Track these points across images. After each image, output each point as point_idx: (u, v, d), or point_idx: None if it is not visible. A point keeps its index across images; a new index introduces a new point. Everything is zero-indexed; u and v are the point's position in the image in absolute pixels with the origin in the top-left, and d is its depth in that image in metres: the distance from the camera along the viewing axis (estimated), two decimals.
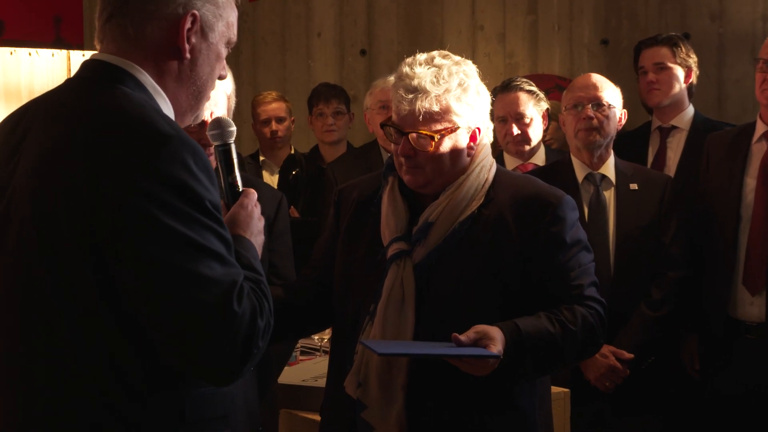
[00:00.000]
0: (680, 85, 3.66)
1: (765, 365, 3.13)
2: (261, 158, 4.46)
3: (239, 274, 1.48)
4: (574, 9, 4.81)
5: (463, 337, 1.90)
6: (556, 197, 2.10)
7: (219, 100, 2.47)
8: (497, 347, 1.91)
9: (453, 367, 1.95)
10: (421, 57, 2.08)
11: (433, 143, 2.05)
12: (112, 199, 1.41)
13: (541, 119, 3.62)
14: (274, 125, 4.38)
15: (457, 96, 2.06)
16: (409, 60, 2.09)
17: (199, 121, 1.80)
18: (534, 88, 3.64)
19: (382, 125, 2.18)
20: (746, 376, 3.14)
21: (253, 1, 5.34)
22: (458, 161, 2.10)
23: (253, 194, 1.79)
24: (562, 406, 2.76)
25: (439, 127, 2.05)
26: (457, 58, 2.12)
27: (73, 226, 1.44)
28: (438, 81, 2.05)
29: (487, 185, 2.11)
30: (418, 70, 2.06)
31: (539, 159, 3.63)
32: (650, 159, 3.72)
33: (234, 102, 2.56)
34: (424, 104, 2.04)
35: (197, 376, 1.50)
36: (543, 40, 4.90)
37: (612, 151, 3.25)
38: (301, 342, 3.33)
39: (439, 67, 2.07)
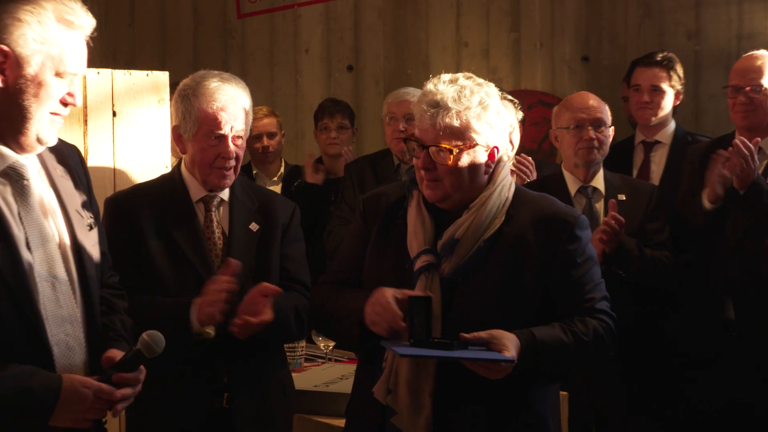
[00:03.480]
0: (670, 106, 3.94)
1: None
2: (254, 171, 4.54)
3: None
4: (556, 27, 5.00)
5: (470, 336, 2.00)
6: (574, 217, 2.21)
7: (238, 115, 2.64)
8: (510, 352, 2.00)
9: (478, 376, 2.05)
10: (446, 77, 2.19)
11: (452, 157, 2.13)
12: None
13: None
14: (265, 140, 4.49)
15: (477, 114, 2.14)
16: (434, 79, 2.19)
17: (49, 142, 1.97)
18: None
19: (405, 140, 2.27)
20: None
21: (241, 17, 5.40)
22: (476, 178, 2.19)
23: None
24: (560, 410, 2.87)
25: (458, 142, 2.14)
26: (480, 80, 2.21)
27: None
28: (460, 98, 2.13)
29: (507, 204, 2.21)
30: (441, 87, 2.15)
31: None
32: (635, 172, 3.95)
33: (251, 117, 2.65)
34: (444, 119, 2.12)
35: None
36: (526, 57, 5.04)
37: (602, 164, 3.48)
38: (307, 349, 3.41)
39: (462, 86, 2.16)
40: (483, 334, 2.01)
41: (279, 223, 2.72)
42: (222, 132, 2.59)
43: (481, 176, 2.19)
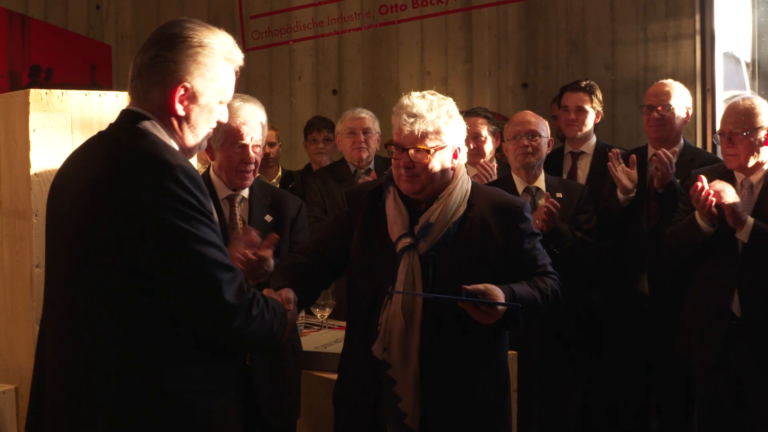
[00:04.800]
0: (592, 123, 4.07)
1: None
2: (257, 174, 4.58)
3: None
4: (501, 59, 5.19)
5: (471, 288, 2.09)
6: (521, 203, 2.33)
7: (256, 128, 2.71)
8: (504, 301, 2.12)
9: (453, 333, 2.18)
10: (416, 94, 2.28)
11: (429, 156, 2.21)
12: (132, 211, 1.70)
13: (492, 138, 3.94)
14: (267, 148, 4.50)
15: (445, 121, 2.23)
16: (406, 96, 2.28)
17: (199, 151, 2.01)
18: (489, 114, 4.01)
19: (386, 145, 2.36)
20: None
21: (246, 51, 5.40)
22: (445, 173, 2.27)
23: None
24: (510, 366, 2.90)
25: (432, 144, 2.21)
26: (442, 96, 2.31)
27: (104, 234, 1.72)
28: (432, 109, 2.22)
29: (468, 194, 2.30)
30: (415, 101, 2.24)
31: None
32: (564, 176, 4.10)
33: (267, 129, 2.71)
34: (421, 126, 2.20)
35: None
36: (477, 83, 5.16)
37: (543, 169, 3.64)
38: (305, 318, 3.43)
39: (431, 100, 2.25)
40: (480, 286, 2.09)
41: (288, 215, 2.78)
42: (244, 142, 2.66)
43: (449, 172, 2.27)
